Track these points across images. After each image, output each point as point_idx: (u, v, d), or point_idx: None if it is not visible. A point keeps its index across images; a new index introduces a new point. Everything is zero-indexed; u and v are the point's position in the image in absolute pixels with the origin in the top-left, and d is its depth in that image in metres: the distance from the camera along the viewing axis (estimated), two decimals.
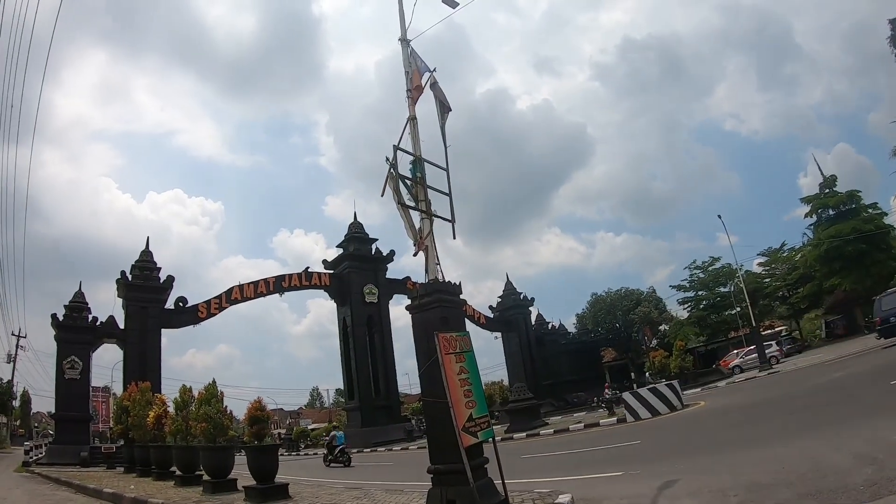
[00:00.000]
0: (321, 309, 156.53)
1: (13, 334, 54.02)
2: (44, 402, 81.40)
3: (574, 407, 41.95)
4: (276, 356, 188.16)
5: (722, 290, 55.97)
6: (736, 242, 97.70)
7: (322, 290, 42.90)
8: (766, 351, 35.97)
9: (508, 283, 53.71)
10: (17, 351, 54.73)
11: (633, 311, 58.48)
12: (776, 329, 57.55)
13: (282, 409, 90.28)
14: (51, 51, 18.86)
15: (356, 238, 43.53)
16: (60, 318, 33.94)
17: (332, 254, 45.80)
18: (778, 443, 9.57)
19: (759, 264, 57.25)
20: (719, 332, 57.29)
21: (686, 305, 59.47)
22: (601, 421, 22.48)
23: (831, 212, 48.11)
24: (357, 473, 17.64)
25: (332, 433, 26.69)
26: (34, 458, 31.43)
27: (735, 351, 45.18)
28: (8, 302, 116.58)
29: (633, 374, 55.45)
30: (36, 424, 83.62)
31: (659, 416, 19.95)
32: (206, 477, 13.54)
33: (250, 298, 38.43)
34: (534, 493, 8.18)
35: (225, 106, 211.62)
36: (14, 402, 66.09)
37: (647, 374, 42.63)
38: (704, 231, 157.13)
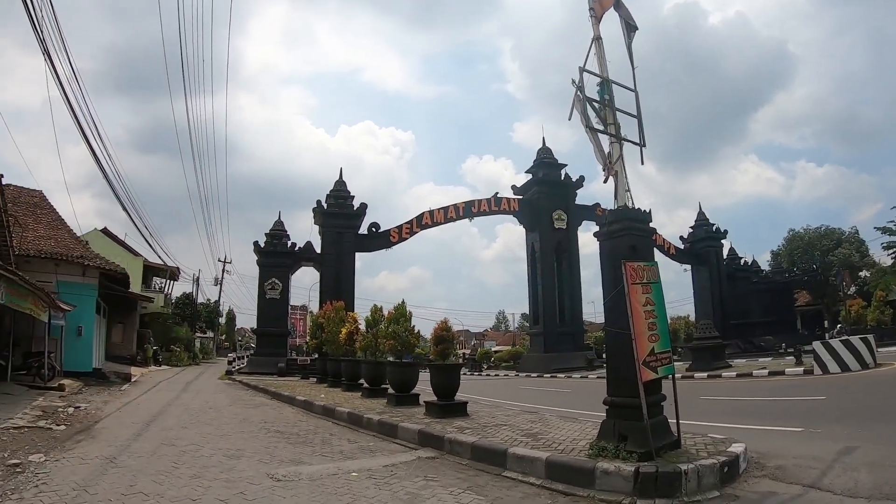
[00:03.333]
0: (510, 234, 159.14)
1: (219, 260, 60.65)
2: (246, 318, 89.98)
3: (760, 351, 39.71)
4: (466, 279, 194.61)
5: None
6: None
7: (511, 216, 43.00)
8: None
9: (701, 214, 50.85)
10: (223, 275, 61.22)
11: (832, 252, 53.57)
12: None
13: (468, 330, 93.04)
14: (234, 4, 19.98)
15: (545, 163, 43.05)
16: (262, 245, 37.20)
17: (521, 179, 45.71)
18: None
19: None
20: None
21: (891, 251, 53.64)
22: (787, 370, 21.22)
23: None
24: (534, 397, 17.92)
25: None
26: (236, 367, 34.82)
27: None
28: (215, 232, 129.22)
29: (826, 322, 51.31)
30: (239, 339, 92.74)
31: (849, 372, 18.51)
32: (390, 390, 14.34)
33: (440, 223, 39.37)
34: (707, 437, 7.88)
35: (408, 39, 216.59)
36: (220, 319, 73.89)
37: (839, 325, 39.20)
38: None
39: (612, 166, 7.73)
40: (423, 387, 13.92)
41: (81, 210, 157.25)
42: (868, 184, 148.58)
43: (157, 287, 50.64)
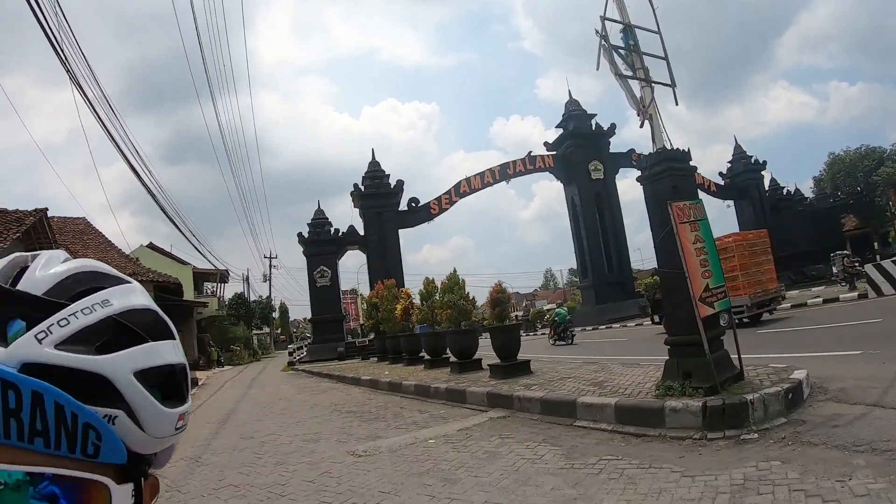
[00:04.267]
0: (547, 191, 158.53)
1: (265, 257, 61.54)
2: (299, 310, 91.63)
3: (812, 280, 38.95)
4: (508, 242, 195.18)
5: None
6: None
7: (547, 173, 42.76)
8: None
9: (737, 147, 49.28)
10: (270, 271, 62.25)
11: (875, 172, 51.49)
12: None
13: (517, 292, 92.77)
14: (244, 5, 20.13)
15: (574, 116, 42.47)
16: (306, 236, 37.53)
17: (551, 135, 45.43)
18: None
19: None
20: None
21: None
22: (841, 296, 20.90)
23: None
24: (593, 349, 18.02)
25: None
26: (297, 358, 35.52)
27: None
28: (257, 230, 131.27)
29: (876, 244, 49.78)
30: (294, 330, 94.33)
31: None
32: (452, 359, 14.62)
33: (478, 189, 39.29)
34: (769, 367, 7.97)
35: (419, 12, 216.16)
36: (274, 313, 75.39)
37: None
38: None
39: (646, 110, 7.75)
40: (483, 352, 14.18)
41: (122, 228, 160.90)
42: None
43: (208, 291, 51.65)
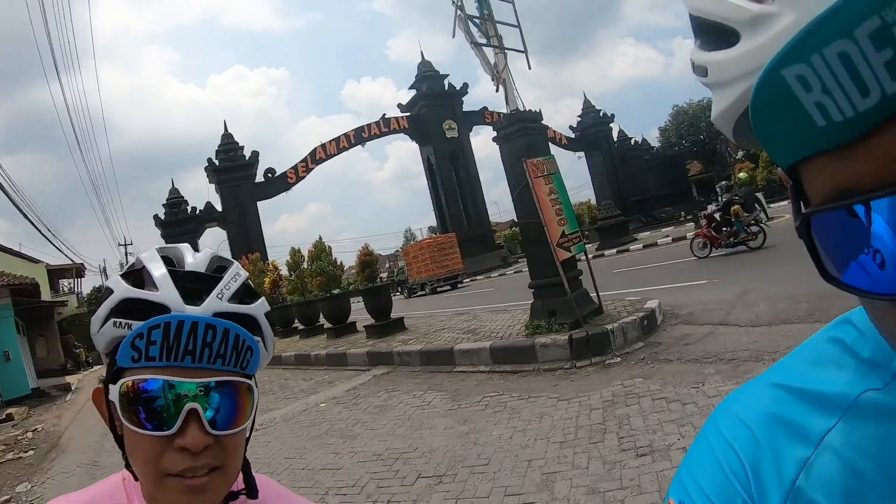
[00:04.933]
0: (401, 151, 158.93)
1: (119, 245, 57.77)
2: None
3: (662, 222, 41.81)
4: (365, 205, 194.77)
5: None
6: None
7: (402, 134, 43.08)
8: None
9: (586, 101, 51.73)
10: (126, 259, 58.67)
11: None
12: None
13: (380, 254, 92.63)
14: None
15: (427, 77, 43.19)
16: (162, 217, 35.66)
17: (404, 96, 45.56)
18: None
19: None
20: None
21: None
22: (688, 235, 22.71)
23: None
24: (464, 300, 18.68)
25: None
26: None
27: None
28: (110, 215, 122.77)
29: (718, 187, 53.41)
30: None
31: None
32: (327, 325, 14.86)
33: (334, 155, 39.10)
34: (625, 300, 8.85)
35: None
36: None
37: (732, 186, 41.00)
38: None
39: (500, 76, 8.27)
40: (354, 315, 14.56)
41: None
42: None
43: (65, 289, 48.28)
